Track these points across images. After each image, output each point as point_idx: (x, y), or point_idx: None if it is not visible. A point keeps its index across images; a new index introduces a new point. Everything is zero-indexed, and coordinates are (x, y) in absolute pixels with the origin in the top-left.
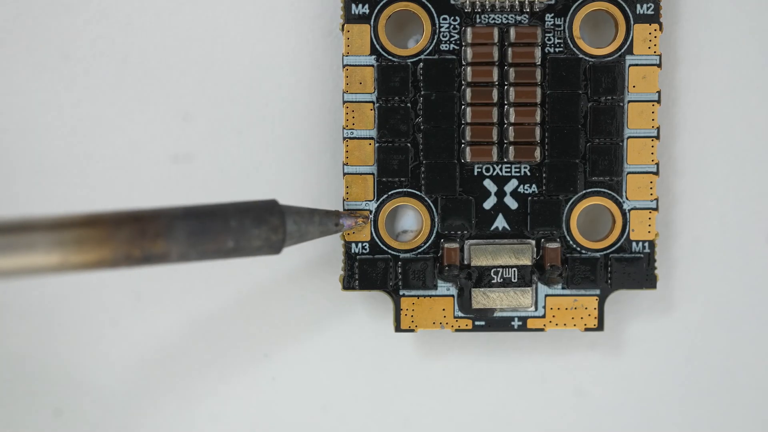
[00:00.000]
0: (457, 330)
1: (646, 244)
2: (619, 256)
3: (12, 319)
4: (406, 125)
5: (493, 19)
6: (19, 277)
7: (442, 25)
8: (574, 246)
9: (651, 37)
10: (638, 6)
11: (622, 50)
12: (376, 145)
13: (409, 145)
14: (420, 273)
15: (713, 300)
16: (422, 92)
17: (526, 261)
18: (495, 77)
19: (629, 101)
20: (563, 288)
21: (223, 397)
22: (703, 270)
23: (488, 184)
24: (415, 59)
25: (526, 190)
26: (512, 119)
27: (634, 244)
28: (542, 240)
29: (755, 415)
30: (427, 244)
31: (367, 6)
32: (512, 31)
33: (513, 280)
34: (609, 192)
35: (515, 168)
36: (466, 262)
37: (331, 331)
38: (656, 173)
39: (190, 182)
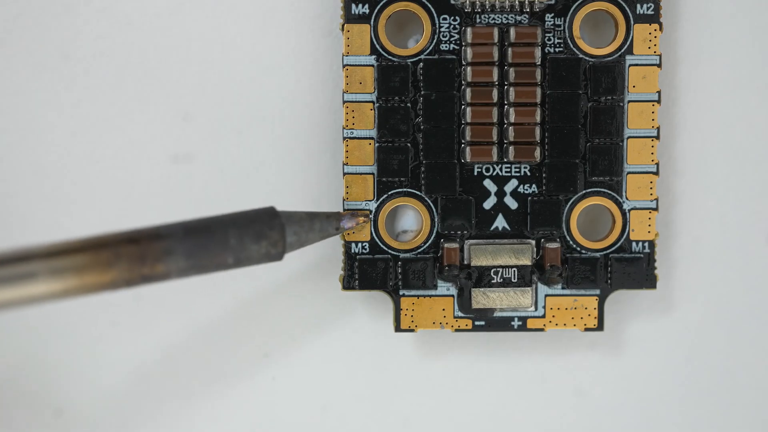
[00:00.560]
0: (457, 330)
1: (646, 244)
2: (619, 256)
3: (12, 319)
4: (406, 125)
5: (493, 19)
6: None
7: (442, 25)
8: (574, 246)
9: (651, 37)
10: (638, 6)
11: (622, 50)
12: (376, 145)
13: (409, 145)
14: (420, 273)
15: (713, 300)
16: (422, 92)
17: (526, 261)
18: (495, 77)
19: (629, 101)
20: (563, 288)
21: (223, 397)
22: (703, 270)
23: (488, 184)
24: (415, 59)
25: (526, 190)
26: (512, 119)
27: (634, 244)
28: (542, 240)
29: (755, 415)
30: (427, 244)
31: (367, 6)
32: (512, 31)
33: (513, 280)
34: (609, 192)
35: (515, 168)
36: (466, 262)
37: (331, 331)
38: (656, 173)
39: (190, 182)
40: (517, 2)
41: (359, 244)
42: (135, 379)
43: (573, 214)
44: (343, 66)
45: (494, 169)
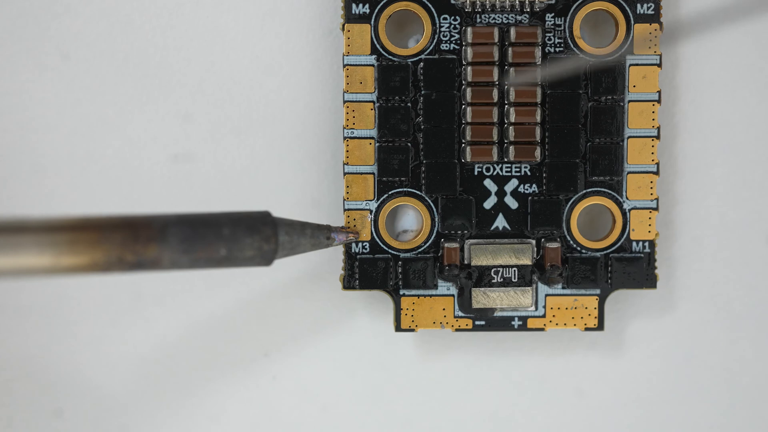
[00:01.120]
0: (457, 330)
1: (646, 244)
2: (620, 256)
3: (12, 319)
4: (406, 125)
5: (494, 18)
6: (11, 278)
7: (442, 24)
8: (575, 246)
9: (651, 37)
10: (638, 6)
11: (623, 50)
12: (377, 144)
13: (409, 144)
14: (420, 273)
15: (713, 300)
16: (422, 92)
17: (527, 261)
18: (495, 77)
19: (629, 101)
20: (563, 288)
21: (223, 397)
22: (703, 270)
23: (488, 183)
24: (415, 59)
25: (527, 189)
26: (512, 119)
27: (634, 243)
28: (542, 240)
29: (755, 415)
30: (428, 244)
31: (367, 6)
32: (512, 30)
33: (513, 279)
34: (609, 192)
35: (515, 168)
36: (466, 262)
37: (331, 331)
38: (656, 173)
39: (190, 182)
40: (517, 2)
41: (360, 244)
42: (135, 379)
43: (573, 213)
44: (344, 66)
45: (494, 169)
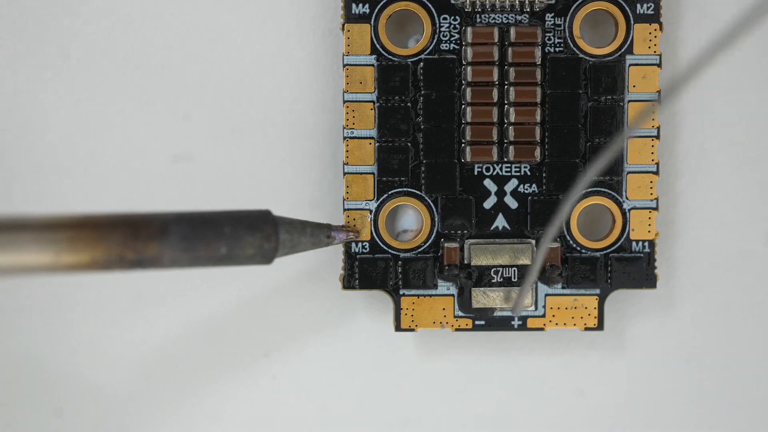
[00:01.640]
0: (457, 329)
1: (646, 244)
2: (619, 256)
3: (12, 319)
4: (406, 125)
5: (494, 18)
6: (11, 276)
7: (442, 24)
8: (574, 245)
9: (651, 37)
10: (638, 6)
11: (622, 50)
12: (377, 144)
13: (409, 144)
14: (420, 272)
15: (713, 300)
16: (422, 92)
17: (526, 260)
18: (495, 77)
19: (629, 101)
20: (563, 287)
21: (223, 397)
22: (703, 270)
23: (488, 183)
24: (415, 59)
25: (526, 189)
26: (512, 119)
27: (634, 243)
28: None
29: (755, 415)
30: (427, 244)
31: (367, 5)
32: (512, 30)
33: (513, 279)
34: (609, 191)
35: (515, 167)
36: (466, 262)
37: (331, 331)
38: (656, 173)
39: (190, 182)
40: (517, 2)
41: (359, 244)
42: (135, 379)
43: (573, 213)
44: (344, 66)
45: (494, 169)
